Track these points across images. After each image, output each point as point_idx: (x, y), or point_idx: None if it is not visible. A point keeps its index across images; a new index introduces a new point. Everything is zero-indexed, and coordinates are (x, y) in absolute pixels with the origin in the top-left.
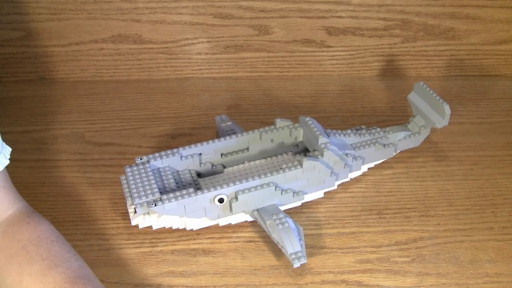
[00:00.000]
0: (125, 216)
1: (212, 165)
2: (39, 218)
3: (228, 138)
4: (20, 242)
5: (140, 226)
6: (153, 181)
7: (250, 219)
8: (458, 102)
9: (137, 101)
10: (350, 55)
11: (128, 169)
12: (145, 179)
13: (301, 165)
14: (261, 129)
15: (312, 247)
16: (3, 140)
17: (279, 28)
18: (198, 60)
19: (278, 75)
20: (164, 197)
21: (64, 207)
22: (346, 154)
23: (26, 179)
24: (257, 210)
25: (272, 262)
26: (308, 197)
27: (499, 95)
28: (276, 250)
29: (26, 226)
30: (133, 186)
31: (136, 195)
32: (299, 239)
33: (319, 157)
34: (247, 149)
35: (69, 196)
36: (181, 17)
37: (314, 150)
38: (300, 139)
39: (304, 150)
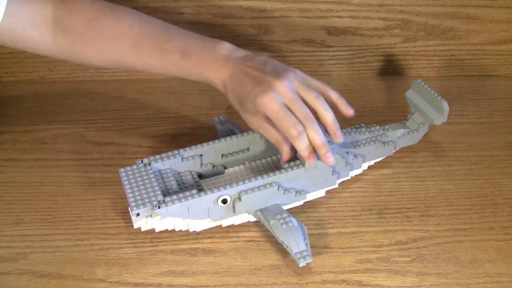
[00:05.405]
0: (125, 215)
1: (213, 166)
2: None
3: (228, 138)
4: None
5: (143, 229)
6: (155, 183)
7: (253, 219)
8: (458, 102)
9: (137, 101)
10: (350, 55)
11: (129, 171)
12: (147, 181)
13: (303, 164)
14: None
15: (313, 247)
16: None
17: (279, 28)
18: None
19: None
20: (168, 199)
21: (64, 206)
22: (347, 152)
23: (26, 178)
24: (260, 210)
25: (272, 262)
26: (310, 196)
27: (499, 95)
28: (277, 250)
29: None
30: (136, 189)
31: (139, 197)
32: (304, 238)
33: None
34: (248, 149)
35: (69, 196)
36: (182, 17)
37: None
38: None
39: None
